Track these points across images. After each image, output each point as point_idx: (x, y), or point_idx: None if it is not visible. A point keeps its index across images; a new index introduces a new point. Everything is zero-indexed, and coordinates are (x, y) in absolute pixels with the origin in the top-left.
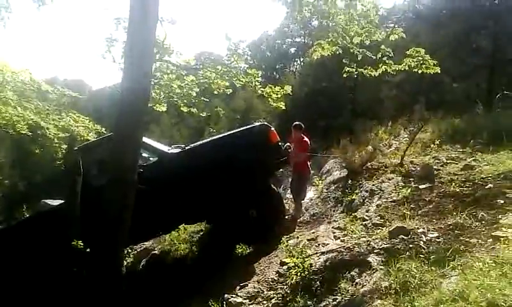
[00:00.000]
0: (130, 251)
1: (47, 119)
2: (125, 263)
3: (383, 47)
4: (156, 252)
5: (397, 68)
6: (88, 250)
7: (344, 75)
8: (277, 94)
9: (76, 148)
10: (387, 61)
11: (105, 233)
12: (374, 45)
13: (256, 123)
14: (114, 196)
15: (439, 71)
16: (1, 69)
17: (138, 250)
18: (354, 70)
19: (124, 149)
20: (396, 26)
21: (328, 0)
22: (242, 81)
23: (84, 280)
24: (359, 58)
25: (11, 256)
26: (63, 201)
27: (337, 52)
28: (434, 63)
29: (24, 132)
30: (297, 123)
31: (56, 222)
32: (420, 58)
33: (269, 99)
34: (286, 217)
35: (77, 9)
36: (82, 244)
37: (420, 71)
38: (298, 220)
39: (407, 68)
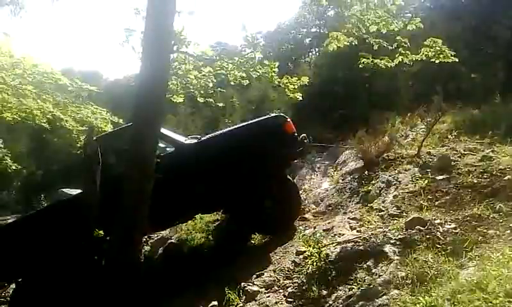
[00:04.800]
0: (148, 239)
1: (66, 111)
2: (143, 250)
3: (398, 37)
4: (173, 240)
5: (414, 58)
6: (107, 238)
7: (360, 66)
8: (294, 85)
9: (95, 138)
10: (403, 51)
11: (124, 221)
12: (391, 35)
13: (272, 114)
14: (133, 185)
15: (457, 61)
16: (22, 61)
17: (155, 239)
18: (370, 60)
19: (143, 139)
20: (413, 16)
21: None
22: (259, 72)
23: (103, 268)
24: (375, 48)
25: (32, 245)
26: (80, 190)
27: (353, 43)
28: (451, 53)
29: (43, 124)
30: None
31: (77, 210)
32: (437, 48)
33: (286, 90)
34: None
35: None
36: (101, 232)
37: (437, 61)
38: (314, 211)
39: (424, 58)
